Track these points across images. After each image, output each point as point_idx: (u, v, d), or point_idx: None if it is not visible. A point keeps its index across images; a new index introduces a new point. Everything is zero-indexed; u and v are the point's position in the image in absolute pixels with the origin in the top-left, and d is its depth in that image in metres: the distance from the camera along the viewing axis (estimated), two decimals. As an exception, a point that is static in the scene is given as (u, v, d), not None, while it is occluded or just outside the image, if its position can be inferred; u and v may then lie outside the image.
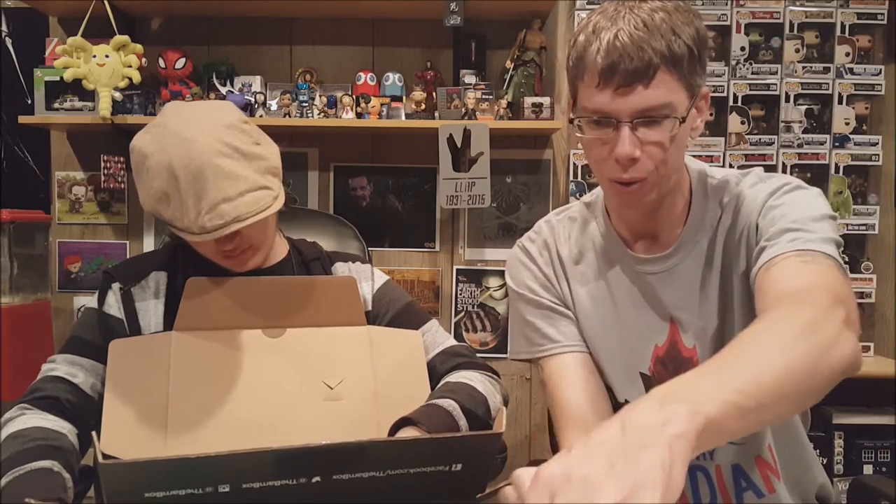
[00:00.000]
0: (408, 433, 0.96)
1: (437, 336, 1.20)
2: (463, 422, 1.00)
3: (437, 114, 2.08)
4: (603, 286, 1.02)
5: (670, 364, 0.98)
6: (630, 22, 0.82)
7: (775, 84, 2.11)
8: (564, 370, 1.01)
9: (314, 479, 0.72)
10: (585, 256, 1.04)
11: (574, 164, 2.15)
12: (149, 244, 2.25)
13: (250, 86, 2.12)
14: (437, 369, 1.15)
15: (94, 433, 0.73)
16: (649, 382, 1.00)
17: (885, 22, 2.09)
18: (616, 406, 1.02)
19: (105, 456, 0.64)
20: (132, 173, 1.05)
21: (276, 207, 1.03)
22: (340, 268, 1.23)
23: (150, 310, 1.09)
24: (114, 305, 1.09)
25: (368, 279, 1.22)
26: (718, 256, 0.95)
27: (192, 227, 0.98)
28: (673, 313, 0.97)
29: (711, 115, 2.14)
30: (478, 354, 1.21)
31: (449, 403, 1.01)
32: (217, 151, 0.98)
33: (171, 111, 1.04)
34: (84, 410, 1.02)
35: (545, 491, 0.50)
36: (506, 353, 2.27)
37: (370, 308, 1.19)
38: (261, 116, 2.05)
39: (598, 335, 1.02)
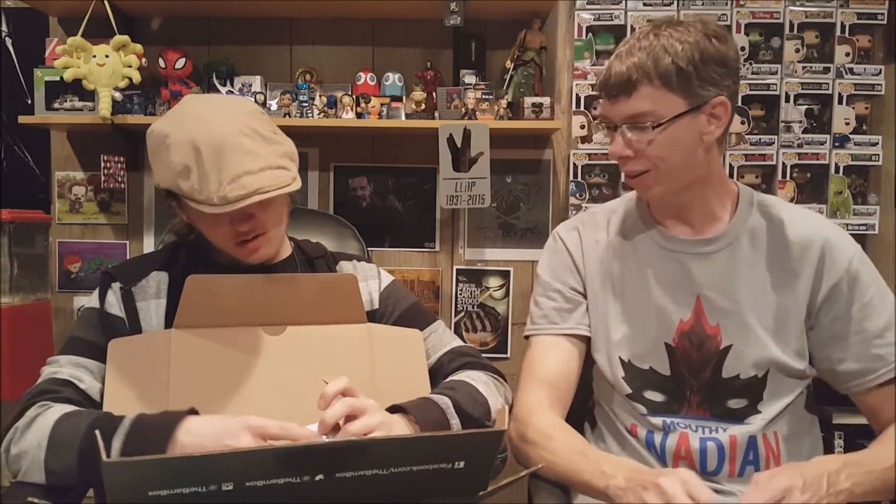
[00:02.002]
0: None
1: (443, 336, 1.20)
2: (455, 420, 0.99)
3: (437, 114, 2.08)
4: (634, 263, 1.16)
5: (695, 339, 1.11)
6: (633, 46, 1.02)
7: (775, 84, 2.11)
8: (552, 345, 1.18)
9: (317, 478, 0.72)
10: (621, 238, 1.18)
11: (574, 164, 2.15)
12: (149, 244, 2.25)
13: (250, 86, 2.12)
14: (443, 369, 1.15)
15: (97, 432, 0.73)
16: (673, 353, 1.12)
17: (885, 22, 2.09)
18: (636, 371, 1.13)
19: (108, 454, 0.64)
20: (148, 157, 1.06)
21: (294, 187, 1.03)
22: (345, 266, 1.23)
23: (152, 310, 1.08)
24: (114, 304, 1.08)
25: (375, 277, 1.22)
26: (770, 263, 1.09)
27: (212, 197, 0.97)
28: (701, 292, 1.11)
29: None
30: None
31: (443, 400, 1.01)
32: (238, 131, 0.99)
33: (189, 101, 1.06)
34: None
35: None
36: (506, 353, 2.27)
37: (377, 306, 1.19)
38: (261, 116, 2.04)
39: (626, 306, 1.15)
